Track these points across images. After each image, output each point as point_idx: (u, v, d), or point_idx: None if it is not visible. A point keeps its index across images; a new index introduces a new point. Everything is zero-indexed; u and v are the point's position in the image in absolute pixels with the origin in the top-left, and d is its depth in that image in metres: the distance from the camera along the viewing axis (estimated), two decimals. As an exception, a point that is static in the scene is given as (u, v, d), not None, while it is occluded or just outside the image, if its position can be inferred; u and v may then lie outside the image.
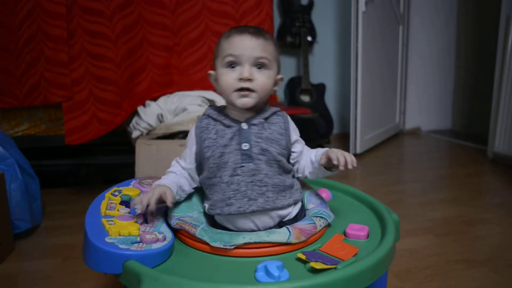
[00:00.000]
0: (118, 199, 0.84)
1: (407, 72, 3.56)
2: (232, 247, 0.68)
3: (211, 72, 0.83)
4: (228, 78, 0.77)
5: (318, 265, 0.62)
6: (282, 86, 3.11)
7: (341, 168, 0.76)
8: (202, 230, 0.71)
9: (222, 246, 0.69)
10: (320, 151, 0.83)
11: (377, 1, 2.80)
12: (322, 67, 3.32)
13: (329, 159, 0.78)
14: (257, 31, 0.78)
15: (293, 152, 0.84)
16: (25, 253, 1.36)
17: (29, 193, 1.46)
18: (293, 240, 0.71)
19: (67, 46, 1.67)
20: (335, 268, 0.62)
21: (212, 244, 0.69)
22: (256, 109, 0.81)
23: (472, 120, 3.54)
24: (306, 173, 0.84)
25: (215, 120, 0.81)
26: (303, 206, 0.86)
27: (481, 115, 3.19)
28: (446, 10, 3.56)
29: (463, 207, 1.74)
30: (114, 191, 0.88)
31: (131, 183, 0.94)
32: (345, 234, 0.78)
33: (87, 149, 2.18)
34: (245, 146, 0.77)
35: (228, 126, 0.79)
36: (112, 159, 2.23)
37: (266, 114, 0.81)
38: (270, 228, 0.79)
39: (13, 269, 1.25)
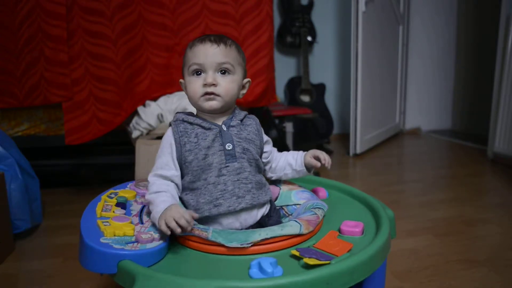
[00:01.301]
0: (114, 201, 0.85)
1: (407, 72, 3.56)
2: (250, 244, 0.69)
3: (181, 80, 0.87)
4: (195, 85, 0.81)
5: (311, 261, 0.62)
6: (282, 86, 3.11)
7: (327, 166, 0.88)
8: (214, 233, 0.70)
9: (239, 246, 0.68)
10: (298, 154, 0.91)
11: (377, 1, 2.80)
12: (322, 67, 3.32)
13: (317, 159, 0.89)
14: (219, 38, 0.82)
15: (265, 152, 0.89)
16: (25, 253, 1.36)
17: (29, 193, 1.46)
18: (304, 231, 0.73)
19: (67, 46, 1.67)
20: (328, 263, 0.62)
21: (229, 245, 0.68)
22: (227, 113, 0.85)
23: (472, 120, 3.54)
24: (282, 174, 0.93)
25: (191, 124, 0.82)
26: (273, 203, 0.90)
27: (481, 115, 3.19)
28: (446, 10, 3.57)
29: (463, 207, 1.74)
30: (110, 194, 0.88)
31: (128, 186, 0.95)
32: (339, 230, 0.78)
33: (87, 149, 2.17)
34: (229, 146, 0.80)
35: (209, 129, 0.81)
36: (112, 159, 2.23)
37: (241, 117, 0.85)
38: (252, 226, 0.82)
39: (13, 269, 1.25)
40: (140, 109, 1.73)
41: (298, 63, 3.25)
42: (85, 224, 0.73)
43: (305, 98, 3.05)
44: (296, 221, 0.74)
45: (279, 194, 0.93)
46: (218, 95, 0.80)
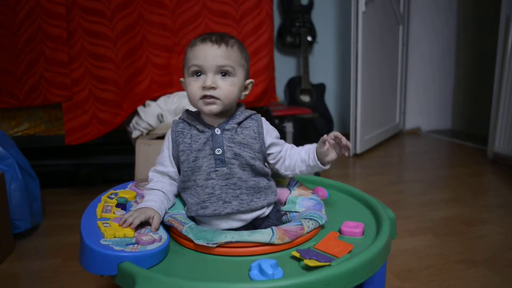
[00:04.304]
0: (114, 201, 0.85)
1: (407, 72, 3.56)
2: (215, 245, 0.69)
3: (182, 79, 0.85)
4: (193, 87, 0.79)
5: (312, 263, 0.62)
6: (282, 86, 3.11)
7: (345, 153, 0.81)
8: (188, 228, 0.72)
9: (205, 244, 0.69)
10: (310, 148, 0.85)
11: (377, 1, 2.80)
12: (322, 67, 3.32)
13: (324, 143, 0.81)
14: (220, 38, 0.79)
15: (270, 153, 0.85)
16: (25, 253, 1.36)
17: (29, 193, 1.46)
18: (275, 240, 0.70)
19: (67, 46, 1.67)
20: (329, 265, 0.62)
21: (196, 241, 0.70)
22: (228, 115, 0.83)
23: (472, 120, 3.54)
24: (297, 171, 0.86)
25: (189, 124, 0.83)
26: (277, 205, 0.88)
27: (481, 115, 3.19)
28: (446, 10, 3.56)
29: (463, 207, 1.74)
30: (111, 194, 0.88)
31: (128, 186, 0.95)
32: (340, 231, 0.78)
33: (87, 149, 2.17)
34: (218, 151, 0.79)
35: (202, 131, 0.81)
36: (112, 159, 2.23)
37: (239, 119, 0.82)
38: (244, 226, 0.81)
39: (13, 269, 1.25)
40: (140, 109, 1.73)
41: (298, 63, 3.25)
42: (85, 225, 0.73)
43: (305, 98, 3.05)
44: (272, 229, 0.72)
45: (287, 199, 0.90)
46: (217, 98, 0.78)
